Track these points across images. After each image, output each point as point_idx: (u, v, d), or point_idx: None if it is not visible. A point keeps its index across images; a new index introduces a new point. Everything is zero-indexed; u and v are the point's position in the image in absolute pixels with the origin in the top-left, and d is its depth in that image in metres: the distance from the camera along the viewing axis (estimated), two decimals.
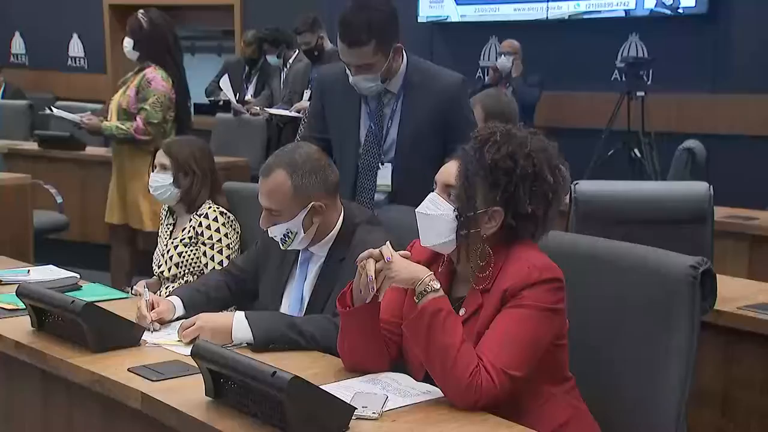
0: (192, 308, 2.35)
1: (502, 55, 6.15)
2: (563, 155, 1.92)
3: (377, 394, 1.81)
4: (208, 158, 3.11)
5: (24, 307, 2.24)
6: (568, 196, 1.97)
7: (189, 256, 2.98)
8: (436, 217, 1.88)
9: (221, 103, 6.99)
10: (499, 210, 1.84)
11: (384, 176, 2.77)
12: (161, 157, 3.06)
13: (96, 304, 2.12)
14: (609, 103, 5.74)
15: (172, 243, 3.02)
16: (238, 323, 2.14)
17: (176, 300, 2.37)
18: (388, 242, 1.89)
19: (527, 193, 1.83)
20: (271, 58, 6.43)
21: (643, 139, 5.57)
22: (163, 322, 2.29)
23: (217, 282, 2.52)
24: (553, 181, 1.85)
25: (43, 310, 2.17)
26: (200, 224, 2.97)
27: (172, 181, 3.02)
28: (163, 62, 4.45)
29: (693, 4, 5.78)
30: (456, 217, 1.85)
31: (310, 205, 2.29)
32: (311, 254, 2.39)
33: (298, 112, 5.70)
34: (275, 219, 2.30)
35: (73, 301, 2.06)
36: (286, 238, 2.31)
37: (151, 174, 3.07)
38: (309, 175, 2.29)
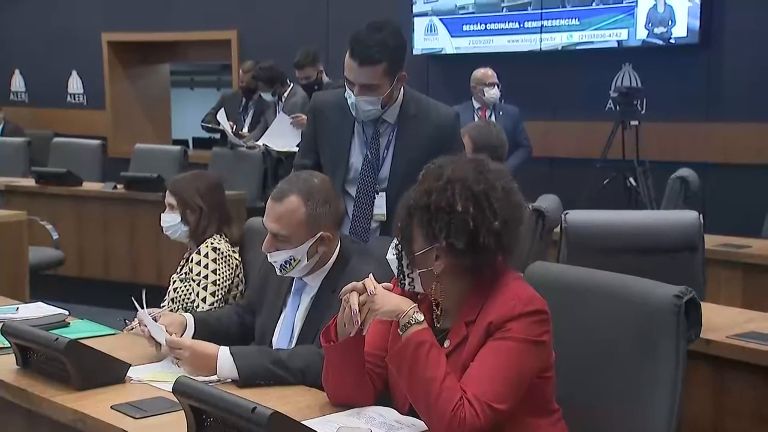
0: (203, 328, 2.39)
1: (495, 87, 5.74)
2: (495, 178, 1.81)
3: (361, 428, 1.80)
4: (216, 192, 3.07)
5: (9, 345, 2.23)
6: (522, 219, 1.88)
7: (183, 291, 2.98)
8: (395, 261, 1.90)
9: (219, 135, 7.03)
10: (441, 246, 1.81)
11: (380, 205, 2.79)
12: (168, 197, 3.05)
13: (81, 341, 2.12)
14: (603, 133, 5.76)
15: (172, 279, 3.03)
16: (224, 359, 2.12)
17: (189, 317, 2.40)
18: (371, 275, 1.89)
19: (444, 226, 1.79)
20: (266, 95, 6.47)
21: (637, 167, 5.57)
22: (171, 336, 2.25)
23: (230, 315, 2.56)
24: (473, 209, 1.78)
25: (28, 348, 2.16)
26: (192, 260, 2.97)
27: (180, 219, 3.01)
28: None
29: (685, 34, 5.82)
30: (397, 259, 1.87)
31: (318, 235, 2.29)
32: (305, 284, 2.39)
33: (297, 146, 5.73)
34: (281, 245, 2.29)
35: (57, 339, 2.05)
36: (287, 265, 2.31)
37: (162, 214, 3.07)
38: (323, 205, 2.30)
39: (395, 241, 1.90)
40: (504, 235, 1.80)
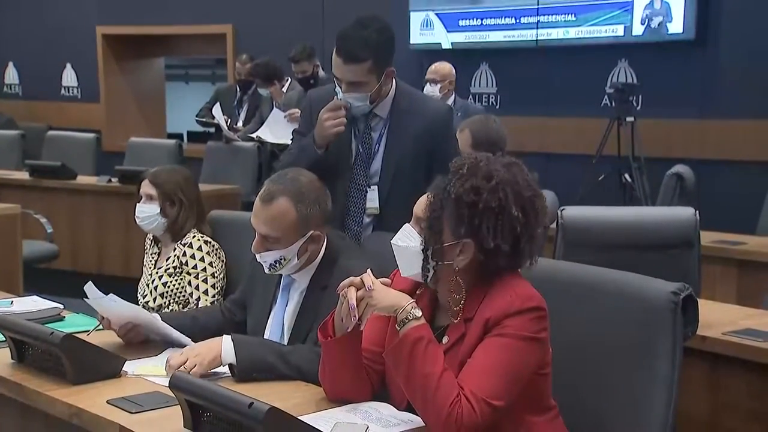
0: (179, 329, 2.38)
1: (429, 84, 5.11)
2: (536, 185, 1.85)
3: (358, 423, 1.80)
4: (194, 187, 3.10)
5: (4, 339, 2.22)
6: (548, 225, 1.92)
7: (174, 285, 2.96)
8: (408, 248, 1.88)
9: (213, 130, 7.01)
10: (470, 242, 1.81)
11: (372, 199, 2.79)
12: (147, 187, 3.04)
13: (76, 335, 2.11)
14: (599, 129, 5.76)
15: (157, 273, 3.00)
16: (225, 348, 2.11)
17: (156, 316, 2.40)
18: (369, 270, 1.88)
19: (492, 227, 1.79)
20: (263, 90, 6.45)
21: (633, 164, 5.57)
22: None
23: (210, 312, 2.56)
24: (522, 216, 1.80)
25: (23, 342, 2.15)
26: (184, 254, 2.96)
27: (159, 211, 3.00)
28: None
29: (681, 30, 5.81)
30: (422, 249, 1.85)
31: (308, 234, 2.28)
32: (293, 280, 2.38)
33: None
34: (271, 246, 2.28)
35: (52, 333, 2.04)
36: (277, 264, 2.30)
37: (137, 205, 3.05)
38: (313, 205, 2.28)
39: (411, 229, 1.88)
40: (536, 242, 1.84)
